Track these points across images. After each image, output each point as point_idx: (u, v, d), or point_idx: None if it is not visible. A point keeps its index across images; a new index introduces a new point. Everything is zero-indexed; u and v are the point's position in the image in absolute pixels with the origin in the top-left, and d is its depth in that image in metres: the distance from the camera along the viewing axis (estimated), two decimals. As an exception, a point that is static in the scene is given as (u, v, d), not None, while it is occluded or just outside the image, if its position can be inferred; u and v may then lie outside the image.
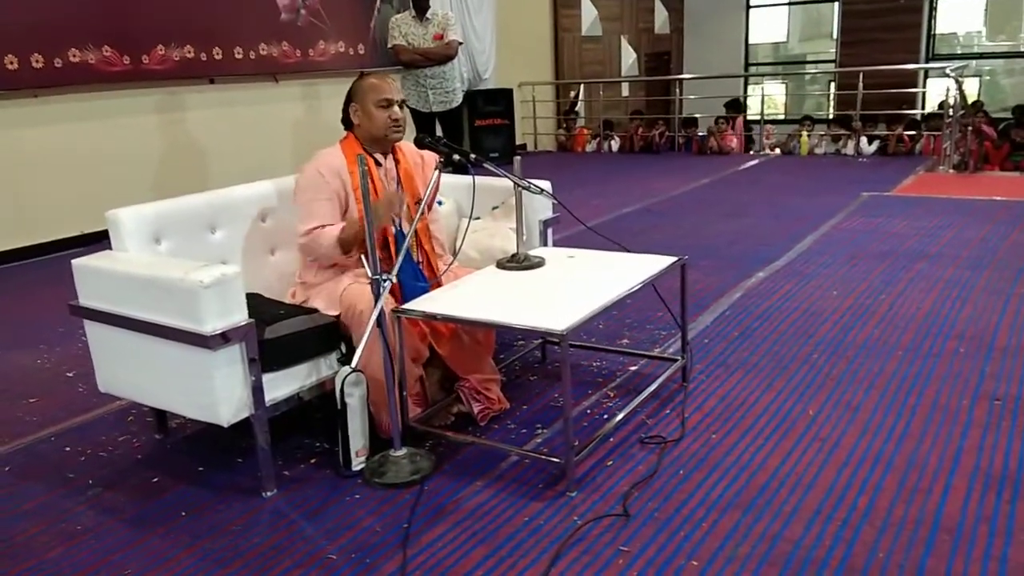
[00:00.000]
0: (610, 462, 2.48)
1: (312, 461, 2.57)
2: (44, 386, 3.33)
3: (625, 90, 12.16)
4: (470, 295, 2.57)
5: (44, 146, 5.72)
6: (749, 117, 12.93)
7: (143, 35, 6.09)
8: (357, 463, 2.47)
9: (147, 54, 6.12)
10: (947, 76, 7.84)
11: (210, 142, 6.73)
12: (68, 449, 2.74)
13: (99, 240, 5.83)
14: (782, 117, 13.57)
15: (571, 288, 2.61)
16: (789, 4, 14.58)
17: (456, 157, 2.67)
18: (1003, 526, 2.06)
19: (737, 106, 10.57)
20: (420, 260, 2.80)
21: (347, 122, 2.83)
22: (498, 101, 9.11)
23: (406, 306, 2.48)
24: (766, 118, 10.36)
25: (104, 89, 5.97)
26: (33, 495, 2.45)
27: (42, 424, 2.95)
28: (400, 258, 2.46)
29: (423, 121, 6.22)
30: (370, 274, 2.37)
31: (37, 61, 5.49)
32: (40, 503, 2.40)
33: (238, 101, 6.92)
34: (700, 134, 10.01)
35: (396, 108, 2.75)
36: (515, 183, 2.73)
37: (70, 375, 3.43)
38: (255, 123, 7.05)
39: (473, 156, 2.67)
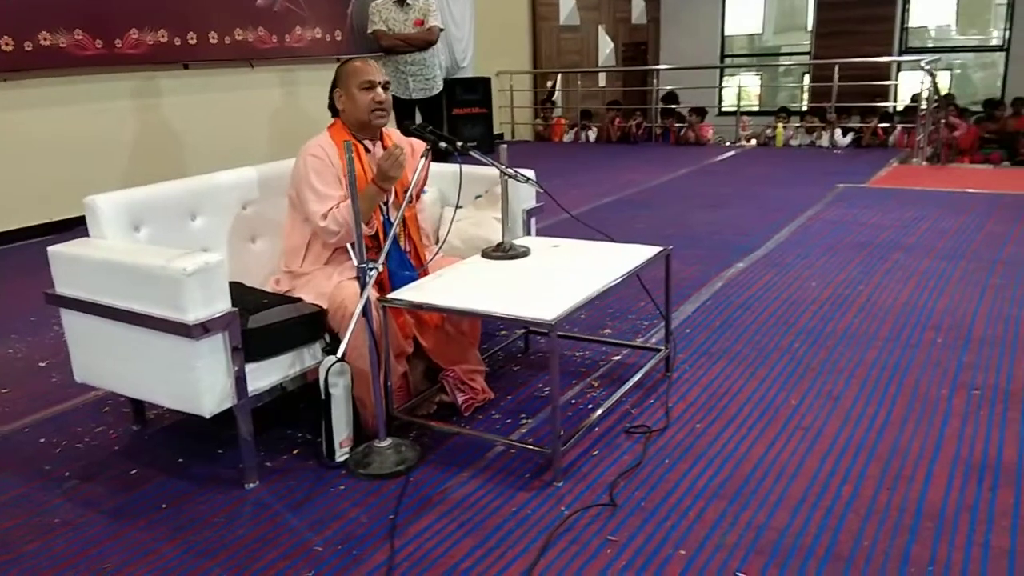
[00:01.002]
0: (596, 452, 2.47)
1: (295, 452, 2.54)
2: (16, 377, 3.26)
3: (602, 80, 12.15)
4: (457, 285, 2.55)
5: (13, 131, 5.59)
6: (724, 108, 13.07)
7: (116, 19, 5.97)
8: (341, 454, 2.45)
9: (120, 38, 6.00)
10: (921, 69, 7.92)
11: (185, 128, 6.62)
12: (43, 441, 2.69)
13: (69, 228, 5.79)
14: (756, 109, 13.66)
15: (558, 278, 2.60)
16: (764, -5, 14.64)
17: (443, 145, 2.64)
18: (984, 513, 2.09)
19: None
20: (408, 249, 2.77)
21: (333, 109, 2.79)
22: (476, 90, 9.04)
23: (392, 295, 2.46)
24: (741, 109, 10.43)
25: (76, 73, 5.84)
26: (8, 487, 2.40)
27: (15, 415, 2.89)
28: (387, 245, 2.43)
29: (403, 108, 6.17)
30: (356, 263, 2.34)
31: (7, 44, 5.35)
32: (16, 495, 2.35)
33: (213, 87, 6.81)
34: (678, 125, 10.03)
35: (379, 90, 2.72)
36: (502, 172, 2.71)
37: (42, 365, 3.36)
38: (230, 109, 6.94)
39: (459, 144, 2.64)
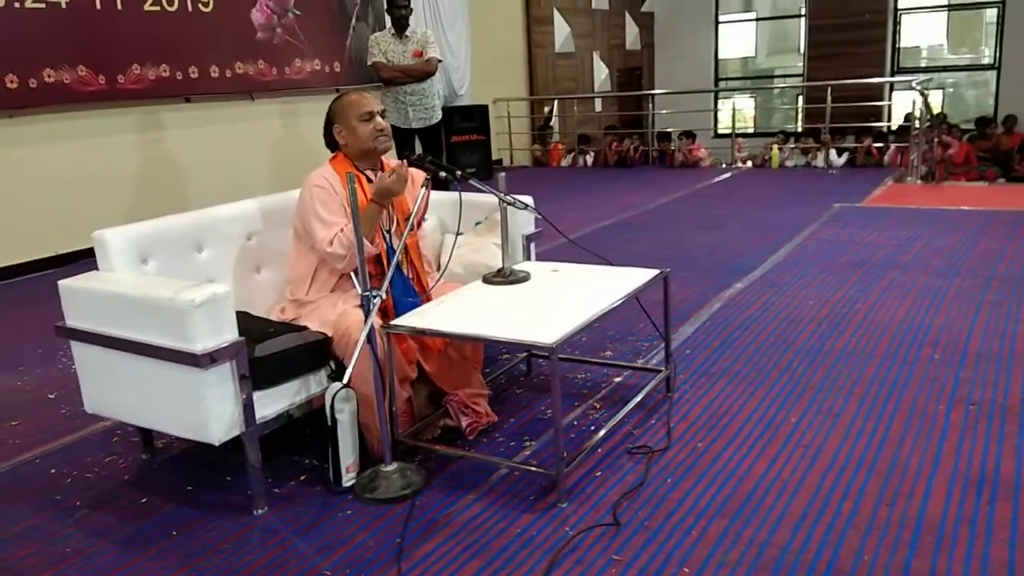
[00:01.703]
0: (599, 472, 2.51)
1: (302, 478, 2.58)
2: (25, 408, 3.29)
3: (598, 105, 12.29)
4: (459, 310, 2.59)
5: (18, 167, 5.68)
6: (720, 131, 13.22)
7: (118, 54, 6.08)
8: (347, 479, 2.48)
9: (123, 73, 6.11)
10: (913, 89, 8.02)
11: (187, 161, 6.71)
12: (53, 471, 2.72)
13: (73, 261, 5.84)
14: (751, 131, 13.79)
15: (558, 302, 2.64)
16: (756, 20, 14.85)
17: (443, 174, 2.70)
18: (983, 526, 2.12)
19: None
20: (410, 276, 2.83)
21: (332, 144, 2.86)
22: (474, 117, 9.17)
23: (396, 321, 2.51)
24: (735, 132, 10.57)
25: (79, 109, 5.94)
26: (20, 518, 2.43)
27: (25, 446, 2.93)
28: (390, 273, 2.48)
29: (403, 137, 6.25)
30: (359, 290, 2.39)
31: (11, 81, 5.45)
32: (28, 526, 2.38)
33: (214, 119, 6.91)
34: (674, 148, 10.15)
35: (379, 118, 2.79)
36: (501, 199, 2.77)
37: (51, 397, 3.40)
38: (231, 141, 7.04)
39: (459, 172, 2.70)
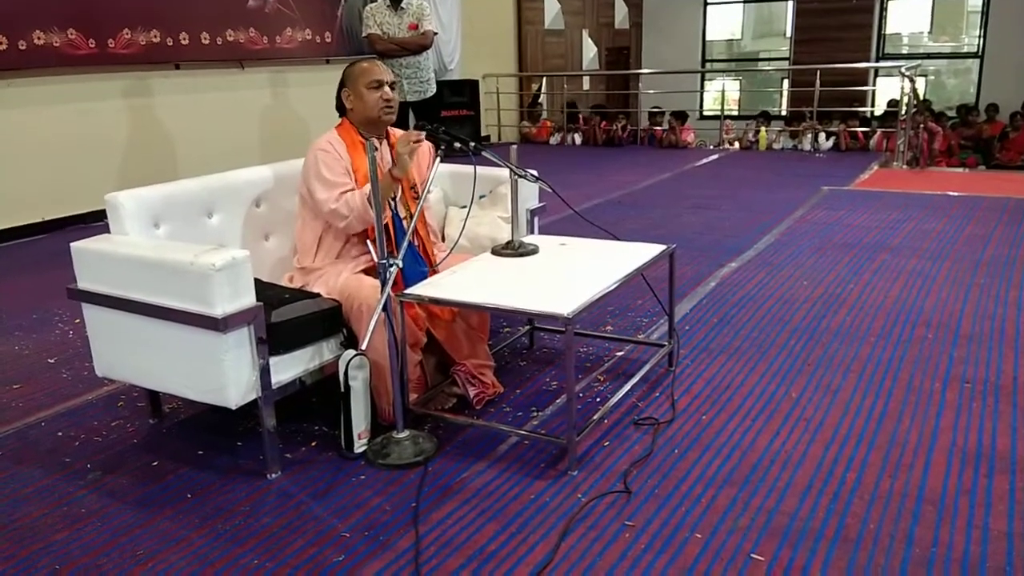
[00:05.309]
0: (607, 443, 2.55)
1: (313, 444, 2.60)
2: (26, 372, 3.28)
3: (586, 84, 12.28)
4: (472, 281, 2.61)
5: (6, 130, 5.58)
6: (706, 113, 13.27)
7: (109, 18, 5.98)
8: (359, 445, 2.50)
9: (113, 38, 6.02)
10: (902, 75, 8.10)
11: (176, 128, 6.63)
12: (60, 434, 2.72)
13: (60, 227, 5.77)
14: (736, 113, 13.85)
15: (569, 274, 2.67)
16: (744, 2, 14.87)
17: (457, 145, 2.71)
18: (982, 498, 2.19)
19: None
20: (417, 245, 2.84)
21: (340, 108, 2.86)
22: (463, 92, 9.13)
23: (411, 290, 2.52)
24: (715, 114, 10.62)
25: (69, 73, 5.85)
26: (31, 479, 2.43)
27: (29, 410, 2.92)
28: (405, 242, 2.49)
29: (397, 111, 6.20)
30: (376, 259, 2.41)
31: (1, 43, 5.35)
32: (40, 487, 2.39)
33: (204, 87, 6.83)
34: (664, 128, 10.18)
35: (387, 88, 2.80)
36: (513, 171, 2.79)
37: (51, 361, 3.38)
38: (221, 109, 6.96)
39: (473, 144, 2.71)
